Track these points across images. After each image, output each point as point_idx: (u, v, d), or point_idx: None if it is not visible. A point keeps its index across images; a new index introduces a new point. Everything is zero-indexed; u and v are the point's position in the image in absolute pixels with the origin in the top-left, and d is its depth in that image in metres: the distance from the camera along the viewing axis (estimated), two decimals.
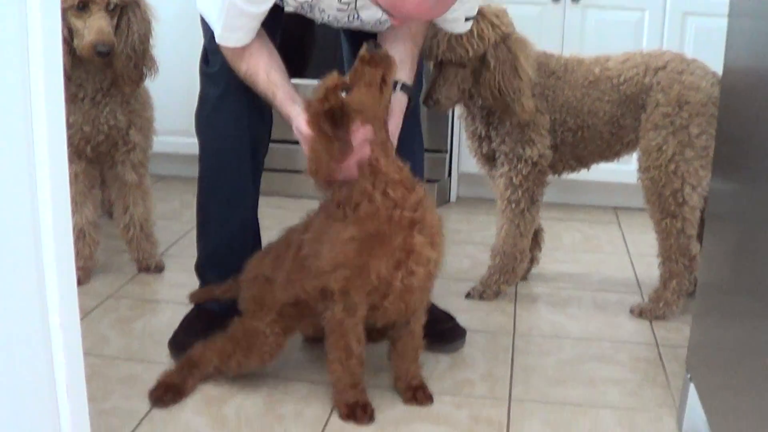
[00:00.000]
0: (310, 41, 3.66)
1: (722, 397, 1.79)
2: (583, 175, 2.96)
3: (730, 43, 1.92)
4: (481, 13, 2.49)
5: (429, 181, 3.47)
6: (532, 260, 3.02)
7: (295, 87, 2.21)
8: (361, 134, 1.99)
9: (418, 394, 2.21)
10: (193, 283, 2.59)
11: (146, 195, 3.04)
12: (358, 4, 2.20)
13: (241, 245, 2.46)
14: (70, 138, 2.63)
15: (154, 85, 2.98)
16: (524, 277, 3.01)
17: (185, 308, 2.57)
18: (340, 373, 2.12)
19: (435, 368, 2.37)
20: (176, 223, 3.53)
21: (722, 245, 1.92)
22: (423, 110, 2.70)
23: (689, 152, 2.54)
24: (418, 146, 2.55)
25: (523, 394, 2.28)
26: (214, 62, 2.34)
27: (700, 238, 2.58)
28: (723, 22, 1.95)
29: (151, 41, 2.85)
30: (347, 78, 2.00)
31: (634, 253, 3.33)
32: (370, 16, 2.25)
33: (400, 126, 2.16)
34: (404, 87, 2.21)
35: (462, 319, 2.58)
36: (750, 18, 1.76)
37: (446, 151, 3.87)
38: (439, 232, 2.09)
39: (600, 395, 2.28)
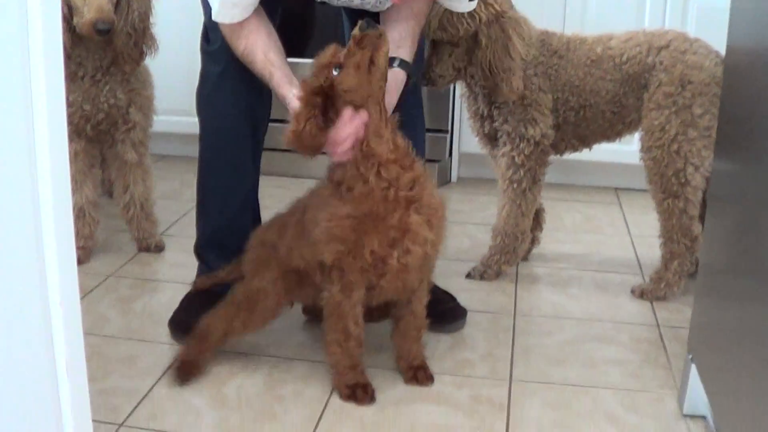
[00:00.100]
0: (310, 20, 3.65)
1: (724, 378, 1.79)
2: (583, 155, 2.96)
3: (733, 22, 1.91)
4: None
5: (430, 161, 3.46)
6: (533, 240, 3.02)
7: (294, 67, 2.20)
8: (350, 114, 1.97)
9: (419, 374, 2.21)
10: (194, 262, 2.59)
11: (146, 174, 3.04)
12: None
13: (242, 225, 2.45)
14: (70, 116, 2.64)
15: (154, 64, 2.97)
16: (525, 258, 3.01)
17: (185, 288, 2.57)
18: (339, 355, 2.12)
19: (436, 348, 2.37)
20: (176, 203, 3.52)
21: (724, 226, 1.91)
22: (424, 90, 2.69)
23: (692, 132, 2.53)
24: (419, 125, 2.54)
25: (523, 375, 2.28)
26: (215, 40, 2.33)
27: (702, 218, 2.58)
28: (725, 1, 1.94)
29: (152, 19, 2.84)
30: (342, 54, 1.98)
31: (635, 233, 3.33)
32: None
33: (394, 103, 2.14)
34: (402, 63, 2.19)
35: (463, 299, 2.58)
36: None
37: (447, 131, 3.86)
38: (437, 212, 2.07)
39: (601, 376, 2.28)
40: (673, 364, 2.32)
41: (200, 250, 2.57)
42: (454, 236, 3.22)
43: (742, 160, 1.80)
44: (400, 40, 2.18)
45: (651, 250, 2.95)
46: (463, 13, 2.49)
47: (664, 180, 2.59)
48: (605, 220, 3.51)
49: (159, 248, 3.07)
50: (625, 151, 3.38)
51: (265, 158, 2.56)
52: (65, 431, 1.42)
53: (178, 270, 2.85)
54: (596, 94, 2.65)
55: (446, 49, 2.62)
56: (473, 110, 2.81)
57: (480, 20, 2.54)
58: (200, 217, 2.56)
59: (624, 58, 2.61)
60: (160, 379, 2.22)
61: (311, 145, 1.99)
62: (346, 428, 2.03)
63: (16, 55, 1.24)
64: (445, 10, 2.50)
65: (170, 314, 2.47)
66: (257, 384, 2.21)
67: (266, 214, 2.49)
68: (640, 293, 2.74)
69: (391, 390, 2.18)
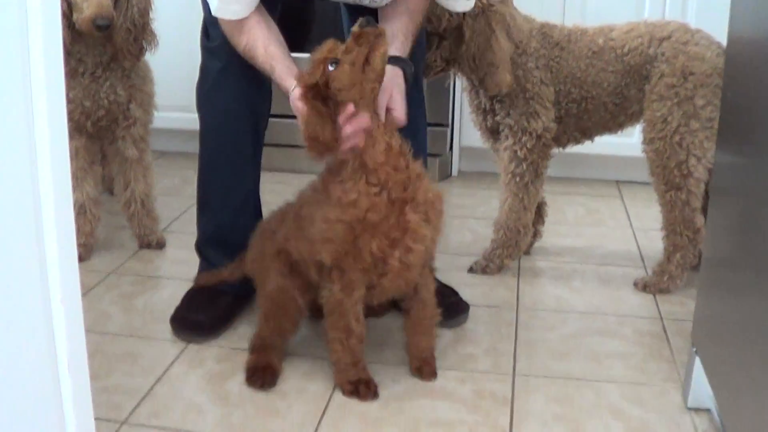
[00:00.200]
0: (310, 16, 3.64)
1: (728, 371, 1.78)
2: (584, 148, 2.95)
3: (735, 12, 1.90)
4: None
5: (430, 155, 3.46)
6: (536, 234, 3.01)
7: (295, 61, 2.19)
8: (351, 110, 1.96)
9: (424, 368, 2.20)
10: (195, 259, 2.59)
11: (147, 170, 3.03)
12: None
13: (243, 222, 2.45)
14: (70, 113, 2.63)
15: (154, 60, 2.96)
16: (527, 251, 3.00)
17: (187, 284, 2.57)
18: (341, 353, 2.11)
19: (438, 343, 2.36)
20: (177, 199, 3.52)
21: (727, 217, 1.90)
22: (424, 85, 2.68)
23: (694, 123, 2.52)
24: (421, 124, 2.53)
25: (527, 369, 2.27)
26: (215, 36, 2.32)
27: (704, 210, 2.57)
28: None
29: (151, 15, 2.83)
30: (340, 49, 1.97)
31: (637, 226, 3.33)
32: None
33: (385, 101, 2.11)
34: (392, 59, 2.15)
35: (465, 294, 2.58)
36: None
37: (448, 125, 3.86)
38: (434, 206, 2.06)
39: (604, 369, 2.27)
40: (677, 357, 2.32)
41: (201, 247, 2.57)
42: (456, 230, 3.22)
43: (744, 152, 1.79)
44: (391, 37, 2.16)
45: (653, 242, 2.95)
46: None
47: (667, 172, 2.58)
48: (607, 213, 3.50)
49: (160, 245, 3.06)
50: (627, 143, 3.39)
51: (265, 154, 2.55)
52: (67, 429, 1.41)
53: (180, 267, 2.85)
54: (598, 86, 2.64)
55: (434, 40, 2.62)
56: (475, 104, 2.80)
57: (464, 13, 2.54)
58: (201, 214, 2.56)
59: (626, 50, 2.61)
60: (162, 376, 2.21)
61: (328, 149, 1.97)
62: (349, 424, 2.02)
63: (15, 52, 1.23)
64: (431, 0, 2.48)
65: (172, 311, 2.46)
66: None
67: (267, 211, 2.48)
68: (643, 286, 2.74)
69: (395, 385, 2.17)
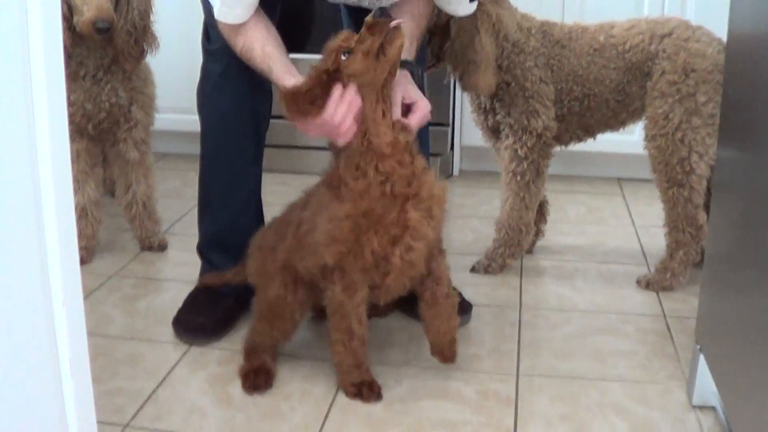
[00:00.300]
0: (309, 16, 3.63)
1: (733, 368, 1.78)
2: (585, 146, 2.94)
3: (735, 8, 1.90)
4: None
5: (432, 155, 3.45)
6: (537, 233, 3.01)
7: (292, 64, 2.18)
8: (339, 92, 1.95)
9: (445, 350, 2.17)
10: (197, 260, 2.58)
11: (148, 173, 3.03)
12: None
13: (245, 224, 2.44)
14: (71, 116, 2.63)
15: (155, 62, 2.96)
16: (529, 250, 3.00)
17: (189, 287, 2.57)
18: (343, 355, 2.10)
19: None
20: (179, 201, 3.51)
21: (729, 214, 1.90)
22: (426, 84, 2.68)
23: (696, 120, 2.52)
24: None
25: (530, 369, 2.27)
26: (216, 39, 2.31)
27: (706, 207, 2.57)
28: None
29: (152, 17, 2.83)
30: (354, 39, 1.96)
31: (639, 224, 3.32)
32: None
33: (399, 97, 2.10)
34: (402, 63, 2.16)
35: (468, 294, 2.57)
36: None
37: (449, 125, 3.85)
38: (437, 204, 2.05)
39: (608, 368, 2.27)
40: (681, 355, 2.31)
41: (203, 249, 2.56)
42: (458, 230, 3.22)
43: (746, 148, 1.79)
44: None
45: (655, 240, 2.95)
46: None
47: (669, 169, 2.58)
48: (609, 211, 3.50)
49: (162, 247, 3.06)
50: (627, 141, 3.38)
51: (266, 155, 2.55)
52: None
53: (182, 269, 2.85)
54: (600, 83, 2.63)
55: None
56: (476, 103, 2.80)
57: None
58: (203, 216, 2.55)
59: (627, 46, 2.60)
60: (164, 379, 2.21)
61: (301, 106, 1.96)
62: (353, 426, 2.02)
63: (16, 55, 1.23)
64: None
65: (174, 313, 2.46)
66: None
67: (268, 212, 2.48)
68: (646, 284, 2.73)
69: (398, 387, 2.17)
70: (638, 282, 2.76)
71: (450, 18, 2.55)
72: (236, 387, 2.17)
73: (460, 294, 2.50)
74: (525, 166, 2.72)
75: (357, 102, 1.96)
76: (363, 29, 1.95)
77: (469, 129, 3.62)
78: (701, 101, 2.51)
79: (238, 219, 2.48)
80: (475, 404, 2.10)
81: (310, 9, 3.53)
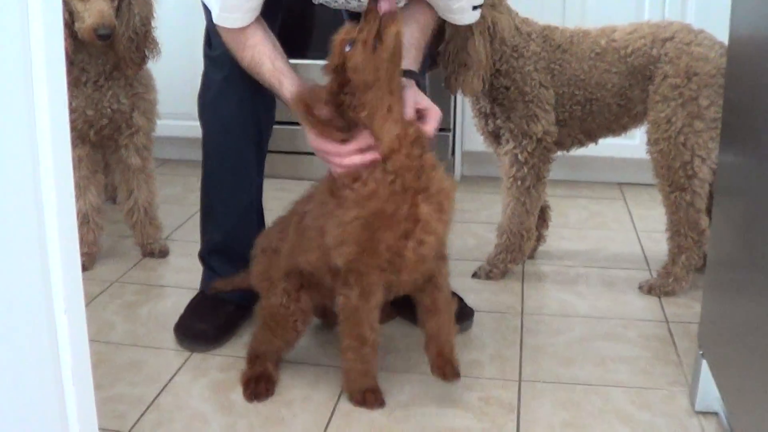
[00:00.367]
0: (310, 21, 3.63)
1: (736, 374, 1.77)
2: (586, 151, 2.94)
3: (736, 13, 1.89)
4: None
5: None
6: (539, 238, 3.00)
7: (294, 67, 2.18)
8: (366, 141, 1.95)
9: (447, 369, 2.11)
10: (198, 267, 2.58)
11: (150, 179, 3.03)
12: None
13: (246, 231, 2.43)
14: (73, 122, 2.63)
15: (156, 68, 2.96)
16: (531, 256, 2.99)
17: (190, 293, 2.56)
18: (353, 362, 2.09)
19: None
20: (180, 208, 3.51)
21: (731, 218, 1.90)
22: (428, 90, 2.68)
23: (698, 124, 2.52)
24: None
25: (533, 375, 2.26)
26: (217, 45, 2.31)
27: (708, 211, 2.56)
28: None
29: (153, 23, 2.83)
30: (355, 31, 1.94)
31: (641, 229, 3.32)
32: None
33: (412, 99, 2.08)
34: (406, 73, 2.15)
35: (469, 299, 2.57)
36: None
37: (450, 130, 3.85)
38: (448, 196, 2.03)
39: (611, 374, 2.26)
40: (684, 361, 2.31)
41: (205, 256, 2.56)
42: (459, 235, 3.21)
43: (747, 152, 1.78)
44: (405, 51, 2.15)
45: (657, 244, 2.95)
46: None
47: (671, 173, 2.57)
48: (610, 216, 3.49)
49: (163, 253, 3.05)
50: (629, 145, 3.38)
51: (268, 161, 2.54)
52: None
53: (183, 275, 2.85)
54: (602, 87, 2.63)
55: None
56: (477, 108, 2.80)
57: None
58: (205, 223, 2.55)
59: (629, 50, 2.60)
60: (166, 385, 2.21)
61: (325, 130, 1.96)
62: None
63: (18, 62, 1.23)
64: None
65: (176, 320, 2.45)
66: None
67: (270, 218, 2.47)
68: (648, 289, 2.73)
69: (400, 393, 2.16)
70: (640, 287, 2.76)
71: (445, 21, 2.55)
72: (238, 393, 2.16)
73: (461, 300, 2.50)
74: (526, 170, 2.72)
75: (373, 159, 1.96)
76: (362, 18, 1.93)
77: (470, 134, 3.62)
78: (703, 105, 2.50)
79: (240, 225, 2.48)
80: (478, 410, 2.10)
81: (311, 15, 3.53)
